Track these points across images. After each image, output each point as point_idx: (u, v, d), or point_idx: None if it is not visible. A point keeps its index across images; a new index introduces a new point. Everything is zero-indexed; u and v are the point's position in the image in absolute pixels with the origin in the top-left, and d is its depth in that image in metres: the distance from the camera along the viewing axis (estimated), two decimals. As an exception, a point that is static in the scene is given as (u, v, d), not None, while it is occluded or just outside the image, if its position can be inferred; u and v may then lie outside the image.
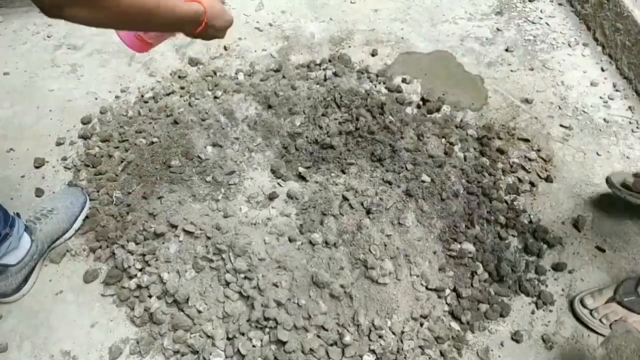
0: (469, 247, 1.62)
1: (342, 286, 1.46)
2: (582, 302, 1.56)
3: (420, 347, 1.45)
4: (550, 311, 1.58)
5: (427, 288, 1.53)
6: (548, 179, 1.87)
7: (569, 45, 2.37)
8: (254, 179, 1.75)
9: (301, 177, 1.77)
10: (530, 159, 1.92)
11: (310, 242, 1.55)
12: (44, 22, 2.37)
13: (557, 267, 1.66)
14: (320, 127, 1.87)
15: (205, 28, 1.21)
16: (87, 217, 1.69)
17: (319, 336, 1.44)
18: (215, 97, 1.98)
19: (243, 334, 1.44)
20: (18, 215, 1.52)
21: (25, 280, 1.54)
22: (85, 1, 0.86)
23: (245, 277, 1.48)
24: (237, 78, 2.11)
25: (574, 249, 1.72)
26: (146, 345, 1.45)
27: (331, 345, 1.43)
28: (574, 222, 1.77)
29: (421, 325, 1.49)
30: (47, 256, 1.62)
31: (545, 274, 1.65)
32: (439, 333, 1.48)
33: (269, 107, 1.93)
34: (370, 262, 1.50)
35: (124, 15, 0.94)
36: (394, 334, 1.46)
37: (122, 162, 1.81)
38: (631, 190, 1.65)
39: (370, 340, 1.43)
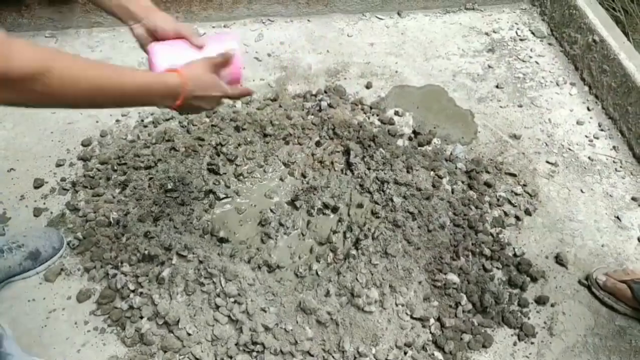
0: (453, 278, 1.66)
1: (328, 313, 1.50)
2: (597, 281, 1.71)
3: (403, 375, 1.49)
4: (532, 343, 1.62)
5: (411, 317, 1.57)
6: (532, 214, 1.93)
7: (557, 84, 2.45)
8: (246, 204, 1.80)
9: (292, 204, 1.82)
10: (516, 194, 1.98)
11: (299, 268, 1.60)
12: (49, 47, 2.44)
13: (540, 300, 1.71)
14: (313, 155, 1.94)
15: (185, 102, 1.07)
16: (83, 237, 1.73)
17: (305, 361, 1.48)
18: (213, 125, 2.04)
19: (231, 357, 1.48)
20: None
21: None
22: (22, 83, 0.77)
23: (235, 301, 1.52)
24: (235, 106, 2.17)
25: (556, 283, 1.76)
26: (136, 366, 1.48)
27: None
28: (556, 257, 1.82)
29: (405, 353, 1.53)
30: (43, 275, 1.66)
31: (527, 307, 1.69)
32: (422, 362, 1.52)
33: (265, 135, 1.99)
34: (357, 290, 1.54)
35: (60, 97, 0.84)
36: (378, 361, 1.50)
37: (119, 184, 1.86)
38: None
39: (355, 366, 1.47)
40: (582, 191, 2.03)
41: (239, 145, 1.97)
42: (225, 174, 1.89)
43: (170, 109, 1.10)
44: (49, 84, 0.79)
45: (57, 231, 1.73)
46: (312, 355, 1.48)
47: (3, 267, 1.57)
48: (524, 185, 2.02)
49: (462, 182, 1.97)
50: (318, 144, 2.01)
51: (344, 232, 1.75)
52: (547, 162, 2.12)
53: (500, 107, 2.33)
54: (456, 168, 2.02)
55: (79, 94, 0.86)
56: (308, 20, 2.68)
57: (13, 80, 0.75)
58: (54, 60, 0.80)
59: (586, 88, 2.42)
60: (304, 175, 1.91)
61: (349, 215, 1.78)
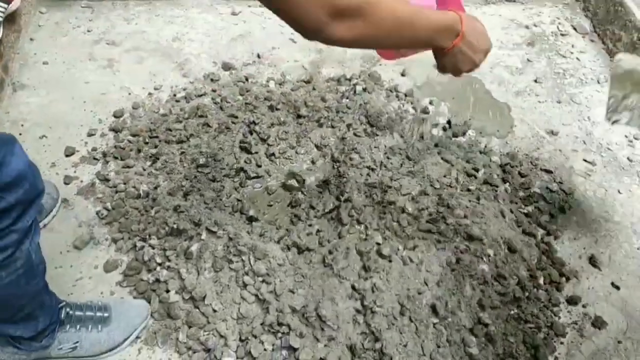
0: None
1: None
2: None
3: None
4: (562, 343, 1.58)
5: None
6: (566, 212, 1.88)
7: (598, 82, 2.38)
8: (277, 185, 1.78)
9: (323, 185, 1.80)
10: (551, 190, 1.93)
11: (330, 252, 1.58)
12: (85, 17, 2.43)
13: (571, 300, 1.67)
14: (343, 139, 1.91)
15: (462, 40, 1.06)
16: (112, 208, 1.72)
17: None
18: (247, 103, 2.02)
19: (255, 337, 1.46)
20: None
21: None
22: (346, 16, 0.85)
23: (263, 281, 1.51)
24: (268, 86, 2.15)
25: (589, 284, 1.72)
26: (162, 337, 1.47)
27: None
28: (590, 258, 1.77)
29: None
30: (72, 242, 1.66)
31: (559, 306, 1.65)
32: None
33: (299, 116, 1.97)
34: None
35: (386, 29, 0.92)
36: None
37: (150, 157, 1.85)
38: None
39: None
40: (619, 192, 1.98)
41: (272, 125, 1.94)
42: (257, 152, 1.87)
43: (444, 54, 1.09)
44: (373, 12, 0.88)
45: (49, 182, 1.74)
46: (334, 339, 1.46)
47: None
48: (560, 182, 1.97)
49: (497, 176, 1.93)
50: (349, 127, 1.98)
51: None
52: (585, 160, 2.06)
53: (539, 102, 2.28)
54: (491, 161, 1.98)
55: (394, 25, 0.93)
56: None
57: (342, 11, 0.84)
58: None
59: (628, 87, 2.36)
60: (334, 160, 1.88)
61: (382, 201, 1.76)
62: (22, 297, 1.18)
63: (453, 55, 1.09)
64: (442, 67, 1.15)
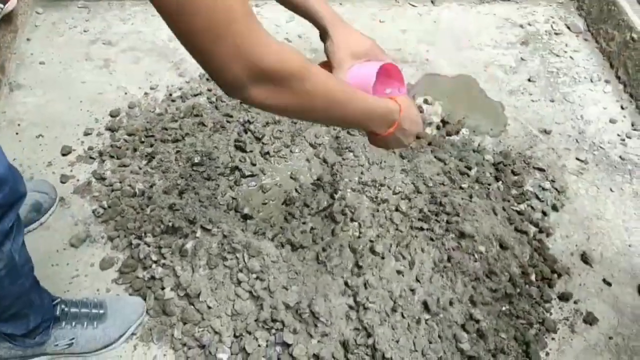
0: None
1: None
2: None
3: None
4: (553, 339, 1.60)
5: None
6: (559, 210, 1.90)
7: (591, 81, 2.40)
8: (272, 182, 1.79)
9: (317, 184, 1.81)
10: (544, 189, 1.95)
11: (323, 249, 1.60)
12: (81, 17, 2.45)
13: (563, 297, 1.68)
14: (337, 138, 1.93)
15: (395, 129, 1.06)
16: (108, 206, 1.74)
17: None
18: (241, 102, 2.04)
19: (250, 333, 1.48)
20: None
21: None
22: (272, 81, 0.77)
23: (257, 278, 1.52)
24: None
25: (580, 281, 1.74)
26: (157, 334, 1.49)
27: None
28: (582, 255, 1.79)
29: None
30: (68, 240, 1.67)
31: (550, 302, 1.67)
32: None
33: (293, 115, 1.99)
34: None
35: (310, 103, 0.86)
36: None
37: (146, 156, 1.87)
38: None
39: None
40: (611, 190, 1.99)
41: (267, 124, 1.96)
42: (251, 151, 1.88)
43: (378, 135, 1.08)
44: (301, 85, 0.81)
45: (47, 181, 1.76)
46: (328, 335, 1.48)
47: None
48: (553, 180, 1.99)
49: (490, 174, 1.94)
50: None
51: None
52: (577, 159, 2.08)
53: (532, 101, 2.30)
54: (484, 159, 2.00)
55: (323, 103, 0.88)
56: (340, 4, 2.66)
57: (267, 75, 0.76)
58: (311, 66, 0.83)
59: (621, 86, 2.38)
60: (325, 161, 1.90)
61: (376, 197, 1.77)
62: (7, 298, 1.19)
63: (384, 139, 1.10)
64: (372, 143, 1.15)
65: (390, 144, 1.13)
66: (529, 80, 2.38)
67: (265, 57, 0.74)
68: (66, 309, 1.41)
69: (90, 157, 1.90)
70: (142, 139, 1.93)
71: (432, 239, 1.66)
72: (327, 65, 1.13)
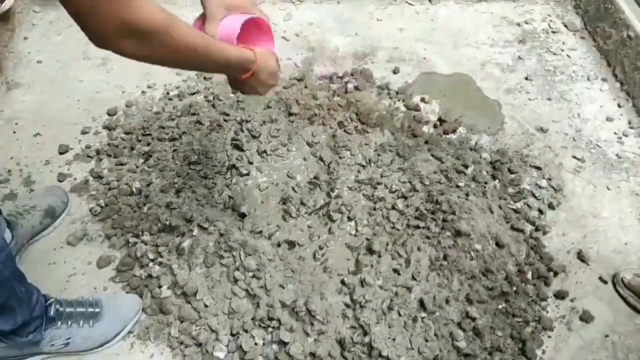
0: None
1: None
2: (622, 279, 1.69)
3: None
4: (549, 337, 1.61)
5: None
6: (555, 208, 1.91)
7: (588, 79, 2.40)
8: (269, 180, 1.80)
9: (314, 182, 1.81)
10: (540, 187, 1.95)
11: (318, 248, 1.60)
12: (79, 15, 2.44)
13: (559, 295, 1.69)
14: (334, 137, 1.93)
15: (251, 76, 1.20)
16: (105, 204, 1.74)
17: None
18: (238, 101, 2.04)
19: (246, 331, 1.48)
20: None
21: None
22: (135, 35, 0.87)
23: (254, 276, 1.53)
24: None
25: (577, 279, 1.74)
26: (154, 332, 1.49)
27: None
28: (578, 253, 1.80)
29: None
30: (65, 239, 1.68)
31: (546, 300, 1.67)
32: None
33: (290, 114, 1.99)
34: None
35: (173, 53, 0.96)
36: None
37: (143, 154, 1.87)
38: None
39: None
40: (608, 188, 2.00)
41: (264, 122, 1.96)
42: (248, 150, 1.88)
43: (237, 80, 1.22)
44: (162, 37, 0.91)
45: (58, 186, 1.77)
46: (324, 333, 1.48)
47: (27, 227, 1.60)
48: (549, 179, 1.99)
49: (487, 172, 1.95)
50: (340, 125, 1.99)
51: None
52: (574, 157, 2.08)
53: (529, 99, 2.30)
54: (481, 158, 2.00)
55: (184, 52, 0.98)
56: (337, 2, 2.66)
57: (143, 32, 0.87)
58: (174, 21, 0.93)
59: (618, 84, 2.38)
60: (321, 159, 1.90)
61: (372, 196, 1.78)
62: None
63: (241, 83, 1.23)
64: (230, 84, 1.28)
65: (245, 90, 1.26)
66: (526, 78, 2.38)
67: (135, 15, 0.85)
68: (61, 309, 1.41)
69: (88, 156, 1.91)
70: (140, 138, 1.93)
71: (428, 237, 1.67)
72: (204, 17, 1.22)
